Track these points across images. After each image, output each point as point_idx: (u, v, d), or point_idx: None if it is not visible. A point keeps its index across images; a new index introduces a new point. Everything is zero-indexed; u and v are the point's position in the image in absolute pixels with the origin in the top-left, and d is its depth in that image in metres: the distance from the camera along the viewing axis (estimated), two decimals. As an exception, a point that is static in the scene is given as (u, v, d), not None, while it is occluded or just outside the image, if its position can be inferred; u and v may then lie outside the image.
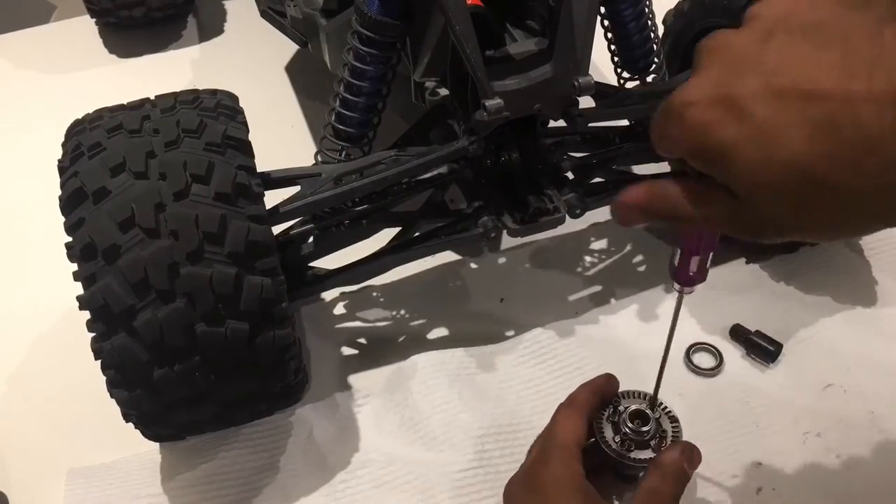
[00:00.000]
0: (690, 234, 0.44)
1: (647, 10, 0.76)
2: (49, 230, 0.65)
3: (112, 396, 0.55)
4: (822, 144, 0.30)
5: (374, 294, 0.79)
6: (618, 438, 0.55)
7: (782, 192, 0.32)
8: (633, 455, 0.54)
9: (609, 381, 0.58)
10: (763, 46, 0.33)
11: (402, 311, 0.77)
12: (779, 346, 0.69)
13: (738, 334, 0.70)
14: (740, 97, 0.32)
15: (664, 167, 0.73)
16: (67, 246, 0.53)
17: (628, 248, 0.81)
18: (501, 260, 0.82)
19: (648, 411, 0.55)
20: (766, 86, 0.32)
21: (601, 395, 0.57)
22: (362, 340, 0.75)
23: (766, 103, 0.32)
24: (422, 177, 0.68)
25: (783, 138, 0.31)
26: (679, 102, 0.34)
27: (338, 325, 0.77)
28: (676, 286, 0.46)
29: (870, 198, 0.31)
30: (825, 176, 0.31)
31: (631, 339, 0.72)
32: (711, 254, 0.45)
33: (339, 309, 0.78)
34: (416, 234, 0.70)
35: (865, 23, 0.31)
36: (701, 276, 0.45)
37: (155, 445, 0.66)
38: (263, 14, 0.95)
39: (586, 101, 0.67)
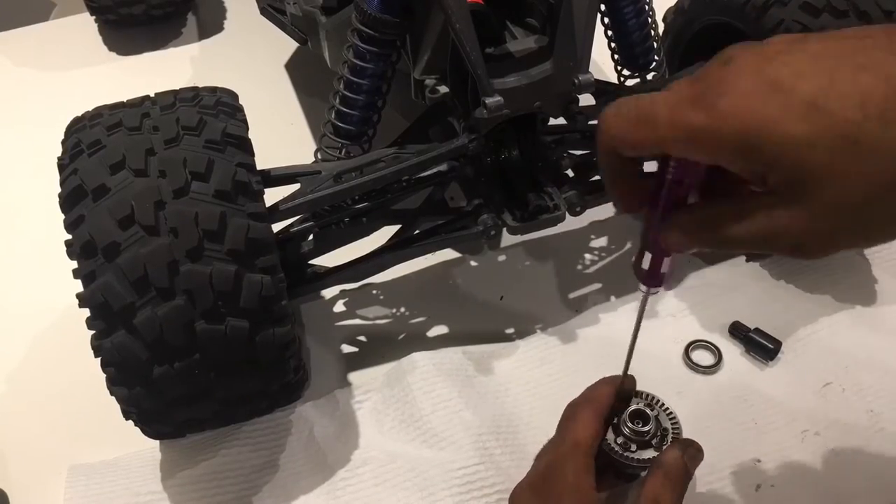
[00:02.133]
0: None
1: (647, 7, 0.76)
2: (49, 227, 0.65)
3: (112, 394, 0.55)
4: (877, 106, 0.30)
5: (374, 292, 0.79)
6: (619, 440, 0.55)
7: (831, 165, 0.31)
8: (635, 455, 0.54)
9: (629, 381, 0.56)
10: (800, 44, 0.32)
11: (402, 309, 0.77)
12: (778, 344, 0.69)
13: (738, 332, 0.70)
14: (784, 78, 0.31)
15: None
16: (67, 243, 0.53)
17: (628, 245, 0.81)
18: (501, 258, 0.82)
19: (648, 411, 0.55)
20: (812, 65, 0.31)
21: (618, 395, 0.56)
22: (362, 338, 0.75)
23: (812, 79, 0.31)
24: (421, 174, 0.68)
25: (833, 107, 0.30)
26: (712, 93, 0.33)
27: (338, 323, 0.77)
28: (643, 288, 0.45)
29: None
30: (880, 137, 0.30)
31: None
32: (671, 257, 0.43)
33: (339, 307, 0.78)
34: (416, 231, 0.70)
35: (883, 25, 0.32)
36: (670, 276, 0.44)
37: (155, 443, 0.66)
38: (263, 12, 0.95)
39: (587, 99, 0.67)
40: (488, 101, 0.59)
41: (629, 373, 0.55)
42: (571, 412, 0.53)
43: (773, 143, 0.31)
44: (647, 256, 0.43)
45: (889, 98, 0.30)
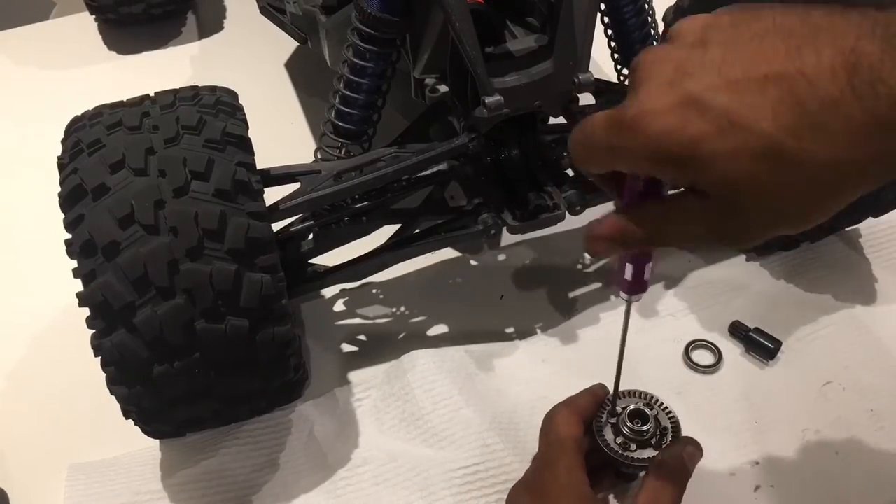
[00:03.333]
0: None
1: (646, 6, 0.76)
2: (48, 227, 0.65)
3: (112, 393, 0.55)
4: (788, 119, 0.31)
5: (374, 291, 0.79)
6: (619, 440, 0.55)
7: (756, 177, 0.32)
8: (634, 455, 0.54)
9: (603, 389, 0.58)
10: (702, 50, 0.34)
11: (402, 308, 0.77)
12: (778, 344, 0.69)
13: (738, 331, 0.70)
14: (697, 94, 0.33)
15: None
16: (67, 243, 0.53)
17: (628, 245, 0.81)
18: (501, 257, 0.82)
19: (647, 410, 0.55)
20: (720, 77, 0.32)
21: (598, 403, 0.57)
22: (362, 337, 0.75)
23: (724, 93, 0.32)
24: (422, 174, 0.68)
25: (749, 122, 0.31)
26: (634, 115, 0.34)
27: (338, 322, 0.77)
28: (624, 296, 0.47)
29: (840, 166, 0.31)
30: (795, 149, 0.31)
31: (630, 337, 0.72)
32: (651, 263, 0.45)
33: (339, 306, 0.78)
34: (416, 231, 0.70)
35: (791, 10, 0.32)
36: (646, 283, 0.46)
37: (155, 442, 0.66)
38: (263, 11, 0.95)
39: (587, 98, 0.67)
40: (488, 100, 0.59)
41: (622, 377, 0.56)
42: (550, 416, 0.55)
43: (699, 159, 0.33)
44: (623, 262, 0.45)
45: (800, 112, 0.31)
